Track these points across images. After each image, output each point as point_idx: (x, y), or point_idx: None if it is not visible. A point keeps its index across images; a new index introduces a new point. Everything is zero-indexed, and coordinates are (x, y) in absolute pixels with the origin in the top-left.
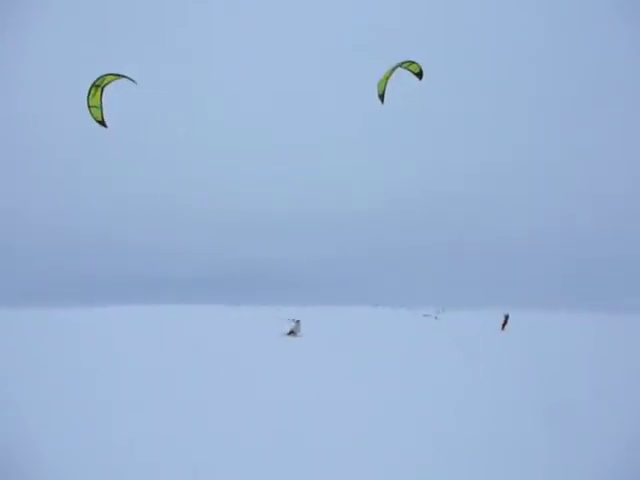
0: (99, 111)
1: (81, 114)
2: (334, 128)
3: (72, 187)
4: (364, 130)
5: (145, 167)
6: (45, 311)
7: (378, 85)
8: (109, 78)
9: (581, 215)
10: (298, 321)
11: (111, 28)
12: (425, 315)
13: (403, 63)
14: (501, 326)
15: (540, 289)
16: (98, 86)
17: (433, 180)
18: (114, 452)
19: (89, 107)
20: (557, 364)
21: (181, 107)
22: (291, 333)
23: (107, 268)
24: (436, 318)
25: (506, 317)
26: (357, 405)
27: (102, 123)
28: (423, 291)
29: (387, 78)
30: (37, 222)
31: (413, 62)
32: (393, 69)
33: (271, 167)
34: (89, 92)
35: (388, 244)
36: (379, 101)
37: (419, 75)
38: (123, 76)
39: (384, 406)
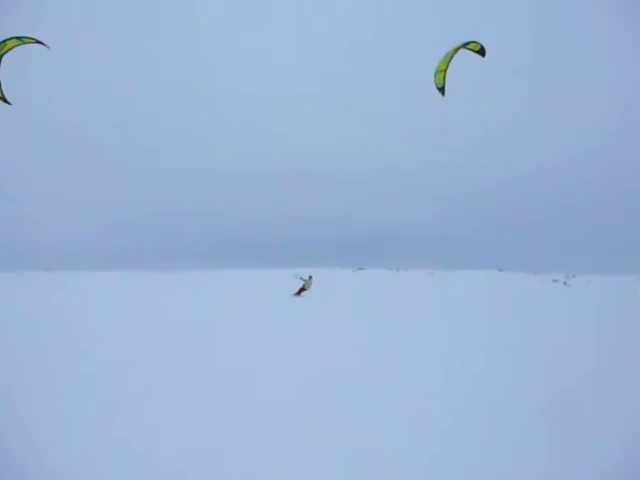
0: None
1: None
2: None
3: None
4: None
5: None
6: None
7: (436, 76)
8: (11, 44)
9: None
10: (310, 277)
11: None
12: (554, 281)
13: (461, 46)
14: None
15: None
16: None
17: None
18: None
19: None
20: None
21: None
22: (302, 291)
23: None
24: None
25: None
26: (476, 373)
27: (3, 99)
28: (552, 255)
29: (444, 70)
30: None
31: (471, 41)
32: (449, 57)
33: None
34: None
35: (515, 206)
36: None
37: (481, 52)
38: (30, 39)
39: (505, 375)
